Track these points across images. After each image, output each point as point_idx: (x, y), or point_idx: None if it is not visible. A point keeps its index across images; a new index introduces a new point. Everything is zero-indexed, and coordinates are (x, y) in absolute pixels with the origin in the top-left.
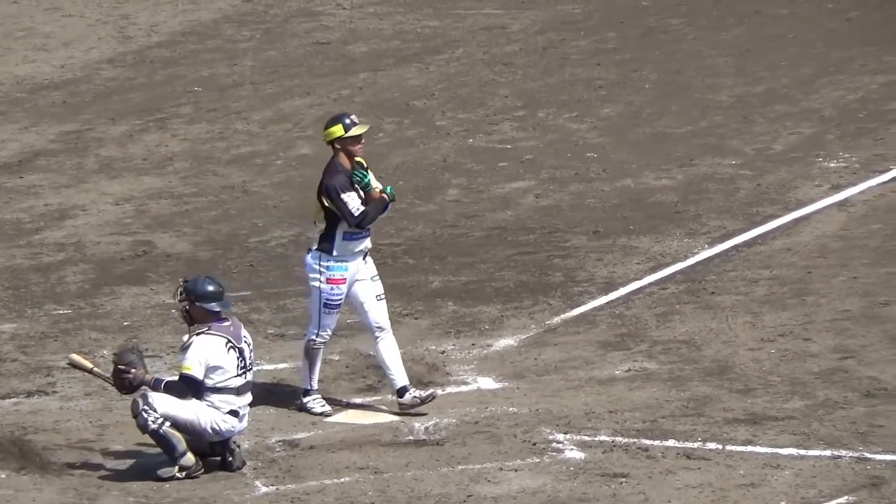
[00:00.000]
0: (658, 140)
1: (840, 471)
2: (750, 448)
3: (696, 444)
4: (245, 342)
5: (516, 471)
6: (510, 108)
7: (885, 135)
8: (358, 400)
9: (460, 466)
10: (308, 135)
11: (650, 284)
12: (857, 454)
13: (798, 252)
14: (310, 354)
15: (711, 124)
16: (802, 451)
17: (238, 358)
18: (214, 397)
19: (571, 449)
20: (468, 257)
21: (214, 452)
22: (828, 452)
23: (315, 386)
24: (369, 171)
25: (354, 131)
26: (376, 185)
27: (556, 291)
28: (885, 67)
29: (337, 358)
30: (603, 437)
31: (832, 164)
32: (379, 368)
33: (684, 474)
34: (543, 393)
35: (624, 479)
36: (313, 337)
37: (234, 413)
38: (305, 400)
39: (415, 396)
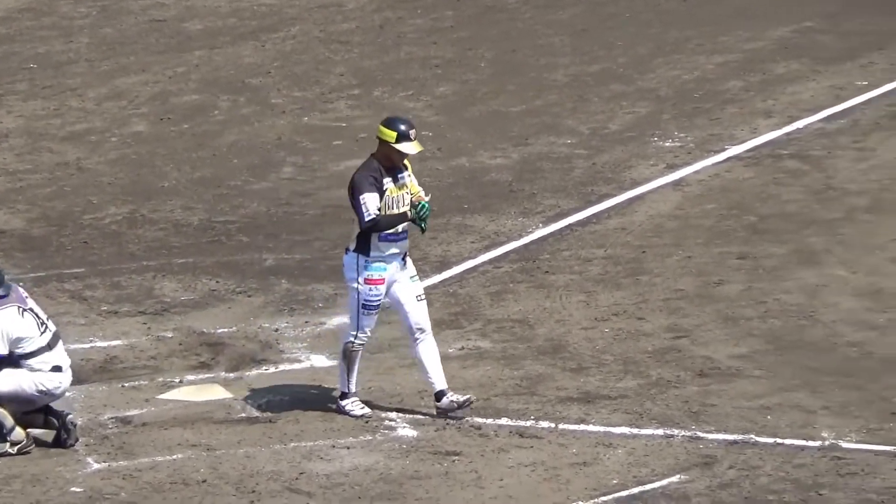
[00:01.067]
0: (493, 119)
1: (673, 450)
2: (583, 427)
3: (528, 423)
4: (27, 299)
5: (349, 448)
6: (346, 86)
7: (721, 115)
8: (192, 377)
9: (293, 444)
10: (143, 112)
11: (484, 263)
12: (689, 433)
13: (632, 231)
14: (348, 357)
15: (547, 103)
16: (635, 430)
17: (34, 317)
18: (31, 361)
19: (404, 427)
20: (302, 235)
21: (48, 425)
22: (660, 431)
23: (353, 389)
24: (411, 174)
25: (404, 148)
26: (418, 189)
27: None
28: (721, 48)
29: (170, 335)
30: (435, 415)
31: (667, 144)
32: (215, 346)
33: (517, 452)
34: (377, 371)
35: (456, 458)
36: (352, 339)
37: (56, 368)
38: (343, 403)
39: (452, 401)
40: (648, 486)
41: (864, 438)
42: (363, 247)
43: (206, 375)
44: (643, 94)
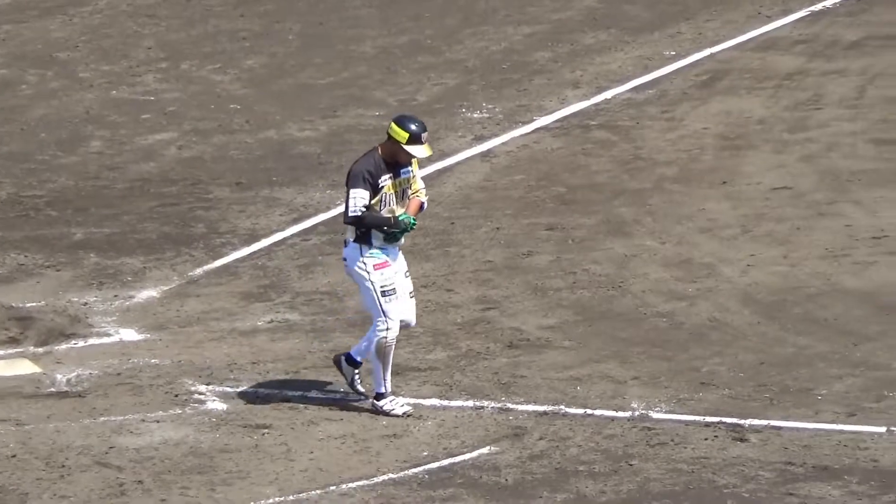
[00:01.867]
0: (301, 91)
1: (483, 421)
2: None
3: (338, 396)
4: None
5: (158, 422)
6: (153, 59)
7: (529, 86)
8: (0, 352)
9: (102, 418)
10: None
11: (293, 236)
12: (499, 405)
13: (441, 203)
14: (382, 353)
15: (355, 75)
16: (445, 402)
17: None
18: None
19: (214, 400)
20: (111, 209)
21: None
22: (470, 403)
23: (389, 388)
24: (416, 171)
25: (414, 151)
26: (420, 187)
27: (198, 243)
28: (529, 18)
29: None
30: (245, 389)
31: (476, 115)
32: (24, 321)
33: (326, 425)
34: (186, 344)
35: (266, 430)
36: (383, 332)
37: None
38: (381, 404)
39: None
40: (458, 458)
41: (673, 409)
42: (364, 237)
43: (15, 350)
44: (451, 66)
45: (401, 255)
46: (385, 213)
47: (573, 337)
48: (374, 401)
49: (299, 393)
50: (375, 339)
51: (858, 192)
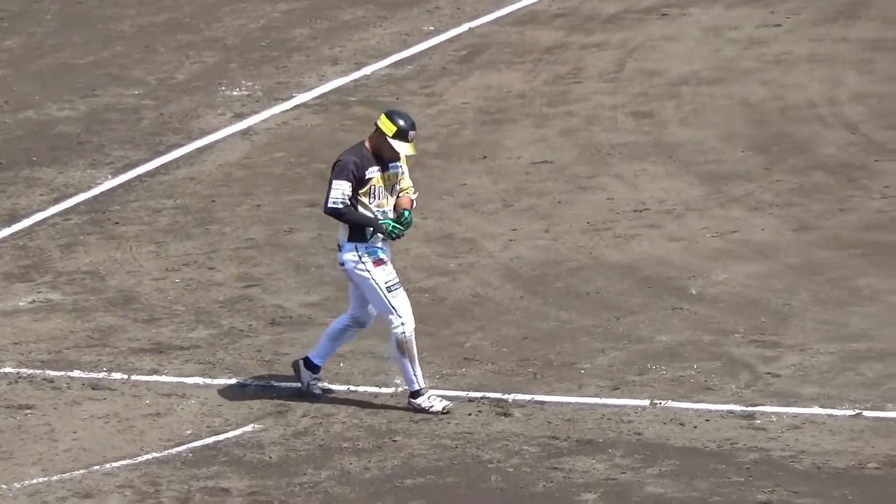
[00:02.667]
0: (60, 71)
1: (246, 399)
2: (155, 378)
3: (101, 375)
4: None
5: None
6: None
7: (288, 63)
8: None
9: None
10: None
11: (54, 216)
12: (262, 382)
13: (202, 181)
14: (404, 348)
15: (114, 54)
16: (208, 380)
17: None
18: None
19: None
20: None
21: None
22: (234, 381)
23: (423, 384)
24: (405, 168)
25: (398, 146)
26: (409, 184)
27: None
28: None
29: None
30: (7, 369)
31: (235, 93)
32: None
33: (90, 405)
34: None
35: (29, 411)
36: (399, 329)
37: None
38: (418, 402)
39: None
40: (223, 436)
41: (437, 384)
42: (358, 236)
43: None
44: (210, 44)
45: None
46: (374, 206)
47: (335, 313)
48: (411, 399)
49: (62, 373)
50: (394, 337)
51: (619, 165)
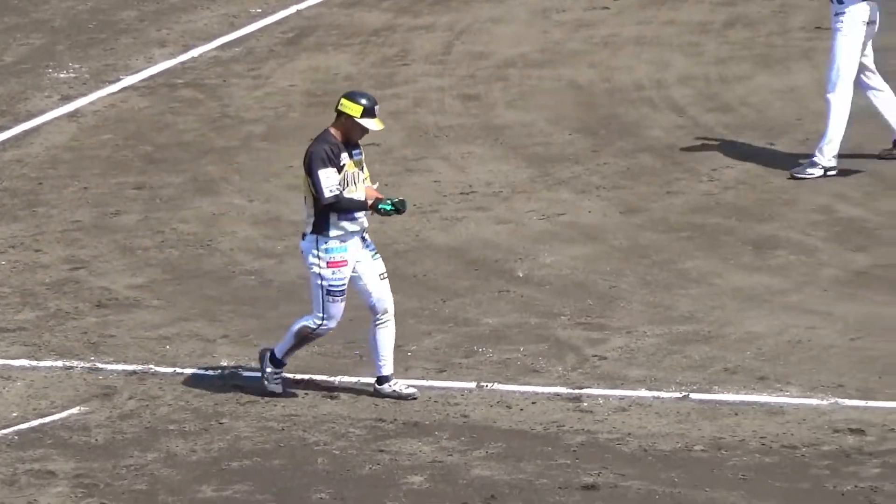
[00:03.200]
0: None
1: (72, 381)
2: None
3: None
4: None
5: None
6: None
7: (115, 45)
8: None
9: None
10: None
11: None
12: (89, 364)
13: (28, 163)
14: (303, 338)
15: None
16: (34, 363)
17: None
18: None
19: None
20: None
21: None
22: (60, 363)
23: (286, 363)
24: (363, 153)
25: (367, 124)
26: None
27: None
28: None
29: None
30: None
31: (62, 75)
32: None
33: None
34: None
35: None
36: (314, 324)
37: None
38: (268, 369)
39: (395, 390)
40: (48, 419)
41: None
42: (321, 227)
43: None
44: (37, 26)
45: (367, 238)
46: (346, 193)
47: (162, 296)
48: (262, 361)
49: None
50: (305, 324)
51: (446, 147)
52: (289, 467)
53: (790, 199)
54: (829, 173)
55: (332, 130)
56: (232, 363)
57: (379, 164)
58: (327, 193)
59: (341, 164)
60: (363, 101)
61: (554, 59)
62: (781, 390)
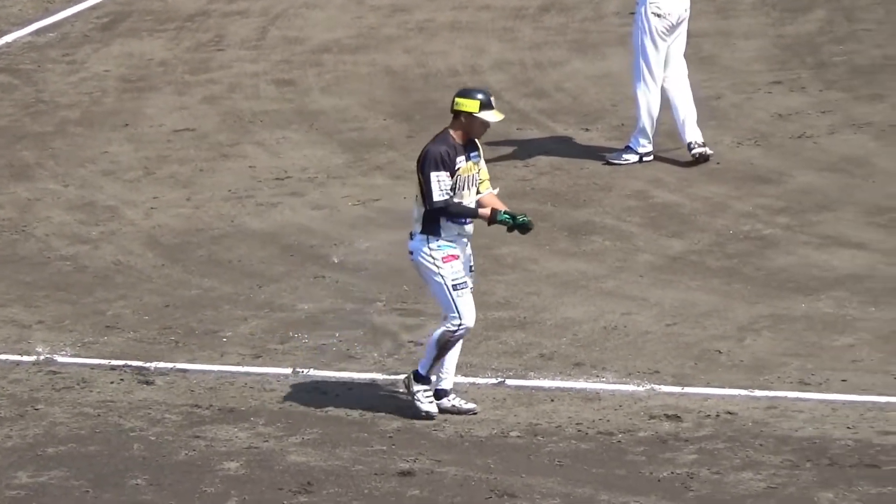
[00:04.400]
0: None
1: None
2: None
3: None
4: None
5: None
6: None
7: None
8: None
9: None
10: None
11: None
12: None
13: None
14: (445, 345)
15: None
16: None
17: None
18: None
19: None
20: None
21: None
22: None
23: (433, 378)
24: (482, 156)
25: (487, 116)
26: (488, 176)
27: None
28: None
29: None
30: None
31: None
32: None
33: None
34: None
35: None
36: (454, 328)
37: None
38: (417, 389)
39: (454, 405)
40: None
41: (78, 352)
42: (432, 228)
43: None
44: None
45: (469, 248)
46: (460, 198)
47: None
48: (412, 379)
49: None
50: (444, 330)
51: (261, 133)
52: (104, 453)
53: (605, 185)
54: (644, 159)
55: (452, 132)
56: (48, 349)
57: (193, 150)
58: (437, 197)
59: (456, 167)
60: (479, 96)
61: (369, 45)
62: (597, 376)
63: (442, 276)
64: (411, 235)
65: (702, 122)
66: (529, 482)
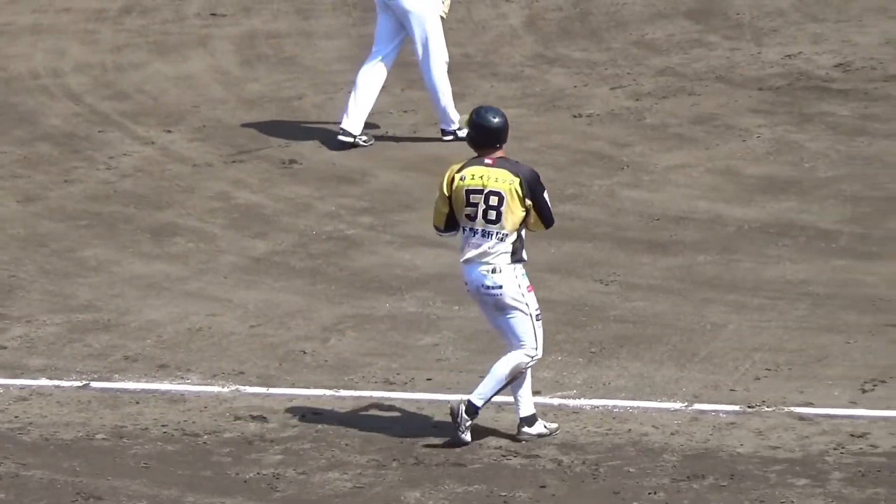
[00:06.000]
0: None
1: None
2: None
3: None
4: None
5: None
6: None
7: None
8: None
9: None
10: None
11: None
12: None
13: None
14: (517, 375)
15: None
16: None
17: None
18: None
19: None
20: None
21: None
22: None
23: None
24: None
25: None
26: None
27: None
28: None
29: None
30: None
31: None
32: None
33: None
34: None
35: None
36: (528, 358)
37: None
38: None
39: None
40: None
41: None
42: (519, 254)
43: None
44: None
45: None
46: None
47: None
48: (526, 427)
49: None
50: (519, 360)
51: None
52: None
53: (188, 187)
54: (459, 133)
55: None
56: None
57: None
58: (555, 219)
59: None
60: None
61: None
62: (182, 378)
63: (528, 304)
64: (492, 271)
65: (283, 124)
66: (116, 484)
